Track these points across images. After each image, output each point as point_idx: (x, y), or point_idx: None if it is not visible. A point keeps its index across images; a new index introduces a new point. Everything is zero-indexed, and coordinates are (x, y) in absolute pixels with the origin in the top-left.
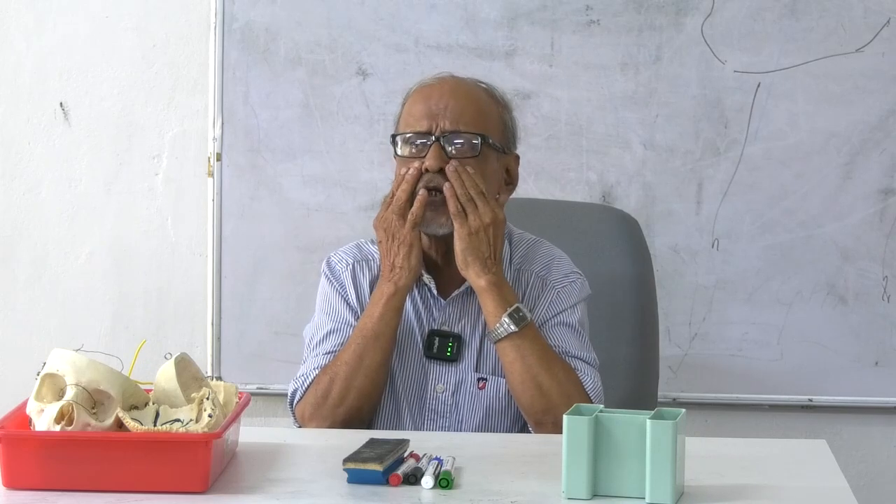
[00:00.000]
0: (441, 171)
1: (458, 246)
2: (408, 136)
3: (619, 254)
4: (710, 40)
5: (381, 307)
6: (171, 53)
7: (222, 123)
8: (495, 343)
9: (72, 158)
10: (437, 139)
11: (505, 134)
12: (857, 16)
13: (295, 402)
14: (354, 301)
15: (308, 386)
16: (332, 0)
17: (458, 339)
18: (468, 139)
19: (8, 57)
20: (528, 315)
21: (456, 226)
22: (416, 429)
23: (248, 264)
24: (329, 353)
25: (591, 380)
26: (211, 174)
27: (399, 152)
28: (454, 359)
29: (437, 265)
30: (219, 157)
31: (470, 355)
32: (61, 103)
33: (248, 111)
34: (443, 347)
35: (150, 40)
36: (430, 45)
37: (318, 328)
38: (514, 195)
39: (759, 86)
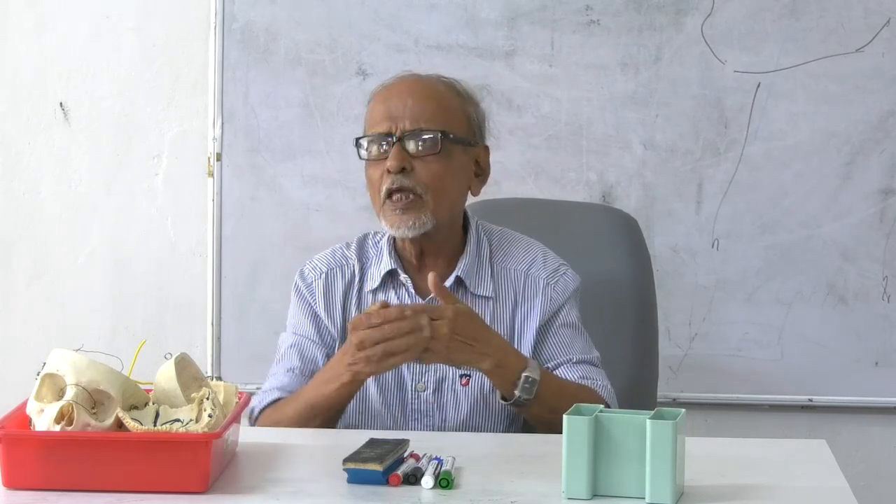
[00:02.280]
0: (403, 170)
1: (443, 361)
2: (369, 138)
3: (619, 254)
4: (710, 40)
5: (335, 391)
6: (171, 53)
7: (222, 123)
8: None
9: (72, 158)
10: (399, 139)
11: (470, 127)
12: (857, 16)
13: (253, 418)
14: (323, 311)
15: (264, 408)
16: (332, 0)
17: None
18: (429, 137)
19: (8, 57)
20: (538, 376)
21: (425, 353)
22: (400, 430)
23: (248, 264)
24: (289, 370)
25: (603, 385)
26: (211, 174)
27: (362, 155)
28: None
29: (413, 263)
30: (219, 157)
31: None
32: (61, 103)
33: (248, 111)
34: None
35: (150, 40)
36: (430, 45)
37: (284, 340)
38: (514, 195)
39: (759, 86)
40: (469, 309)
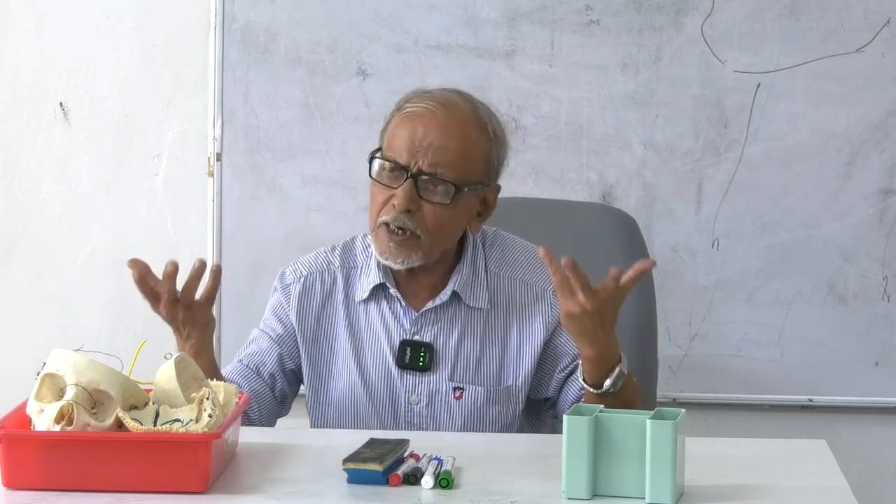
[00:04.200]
0: (408, 211)
1: (568, 331)
2: (385, 163)
3: (618, 254)
4: (710, 40)
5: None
6: (171, 53)
7: (222, 123)
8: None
9: (72, 158)
10: (412, 176)
11: (487, 171)
12: (857, 16)
13: None
14: (295, 316)
15: None
16: (332, 0)
17: (429, 348)
18: (442, 187)
19: (8, 57)
20: (626, 370)
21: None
22: None
23: (248, 264)
24: (239, 361)
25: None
26: (211, 174)
27: (373, 174)
28: (426, 368)
29: (402, 275)
30: (219, 157)
31: (444, 365)
32: (61, 103)
33: (248, 111)
34: (415, 357)
35: (150, 40)
36: (430, 45)
37: (251, 334)
38: (514, 194)
39: (759, 86)
40: (614, 299)
